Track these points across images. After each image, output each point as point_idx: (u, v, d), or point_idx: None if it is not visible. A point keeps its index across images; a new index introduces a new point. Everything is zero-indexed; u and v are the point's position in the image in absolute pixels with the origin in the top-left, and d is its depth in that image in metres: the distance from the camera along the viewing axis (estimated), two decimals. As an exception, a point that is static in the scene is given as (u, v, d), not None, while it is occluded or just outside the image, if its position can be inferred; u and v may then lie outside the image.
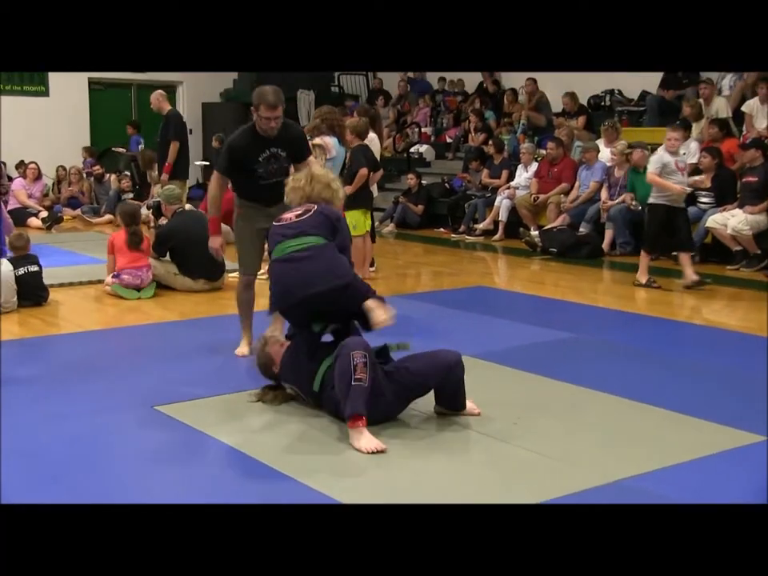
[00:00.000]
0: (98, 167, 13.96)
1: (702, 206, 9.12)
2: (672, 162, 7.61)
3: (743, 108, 9.97)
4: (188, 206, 8.51)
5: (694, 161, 9.58)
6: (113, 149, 14.37)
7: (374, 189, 8.43)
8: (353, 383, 3.86)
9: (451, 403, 4.25)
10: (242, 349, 5.34)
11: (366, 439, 3.83)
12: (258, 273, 5.45)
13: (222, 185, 5.24)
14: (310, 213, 4.30)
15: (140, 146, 13.99)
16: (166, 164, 9.81)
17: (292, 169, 5.17)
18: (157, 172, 10.83)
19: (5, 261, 6.83)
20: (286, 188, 4.49)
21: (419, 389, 4.17)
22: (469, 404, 4.28)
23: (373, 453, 3.77)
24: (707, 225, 8.76)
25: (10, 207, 12.76)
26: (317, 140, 7.29)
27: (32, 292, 6.88)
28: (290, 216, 4.35)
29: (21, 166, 13.63)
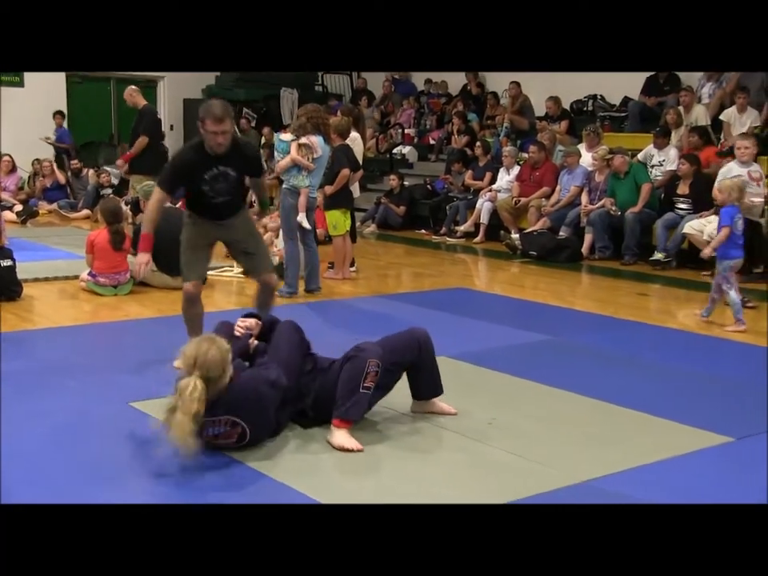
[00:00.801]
0: (76, 161, 13.89)
1: (680, 212, 9.19)
2: (745, 173, 7.39)
3: (721, 117, 10.05)
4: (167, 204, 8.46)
5: (674, 168, 9.66)
6: (39, 138, 14.19)
7: (356, 189, 8.44)
8: (361, 390, 3.86)
9: (430, 387, 4.23)
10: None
11: (346, 438, 3.82)
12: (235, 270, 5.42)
13: (162, 201, 4.88)
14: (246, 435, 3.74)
15: (68, 138, 13.92)
16: (127, 153, 9.85)
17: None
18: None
19: None
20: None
21: (397, 369, 4.12)
22: (444, 405, 4.29)
23: (350, 450, 3.77)
24: (684, 231, 8.80)
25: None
26: (303, 139, 7.30)
27: (5, 286, 6.82)
28: (228, 443, 3.76)
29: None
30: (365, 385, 3.85)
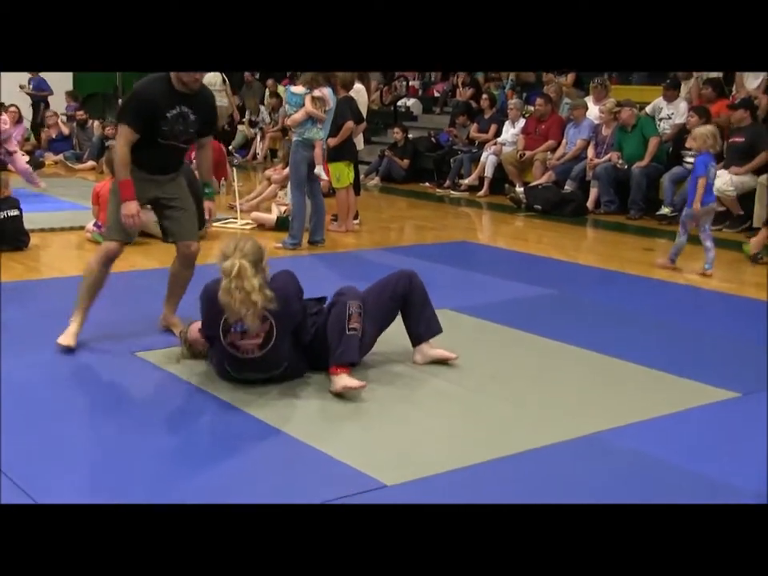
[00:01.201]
0: (81, 113, 13.79)
1: (688, 166, 9.10)
2: None
3: (733, 68, 9.93)
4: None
5: (682, 121, 9.56)
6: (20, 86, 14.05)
7: (359, 141, 8.39)
8: (348, 332, 3.91)
9: (427, 325, 4.25)
10: (67, 337, 4.41)
11: (348, 378, 3.86)
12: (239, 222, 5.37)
13: (130, 141, 4.34)
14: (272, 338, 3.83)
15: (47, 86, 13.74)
16: None
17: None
18: None
19: None
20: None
21: (391, 303, 4.20)
22: (444, 351, 4.29)
23: (354, 388, 3.81)
24: (716, 192, 8.73)
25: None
26: (316, 92, 7.28)
27: (12, 236, 6.83)
28: (250, 346, 3.83)
29: (0, 109, 13.41)
30: (350, 327, 3.92)
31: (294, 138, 7.45)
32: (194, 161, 4.87)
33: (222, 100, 12.38)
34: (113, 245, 4.50)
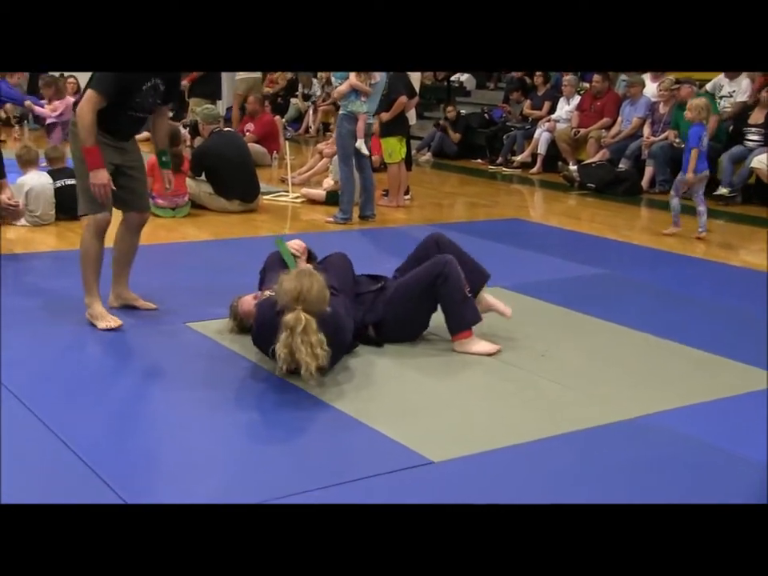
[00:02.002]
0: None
1: (750, 144, 8.91)
2: None
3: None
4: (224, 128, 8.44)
5: (744, 99, 9.36)
6: None
7: (412, 116, 8.34)
8: (468, 295, 4.13)
9: (474, 274, 4.32)
10: (107, 318, 4.36)
11: (483, 344, 4.15)
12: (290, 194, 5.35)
13: (97, 108, 4.16)
14: None
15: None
16: (191, 74, 9.96)
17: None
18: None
19: (44, 173, 6.86)
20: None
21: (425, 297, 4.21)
22: (497, 302, 4.39)
23: (492, 354, 4.12)
24: (752, 165, 8.58)
25: (49, 120, 12.81)
26: (361, 65, 7.21)
27: (69, 205, 6.89)
28: None
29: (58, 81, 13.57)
30: (467, 290, 4.13)
31: (340, 112, 7.43)
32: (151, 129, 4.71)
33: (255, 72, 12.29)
34: (96, 220, 4.32)
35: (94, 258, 4.40)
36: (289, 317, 3.49)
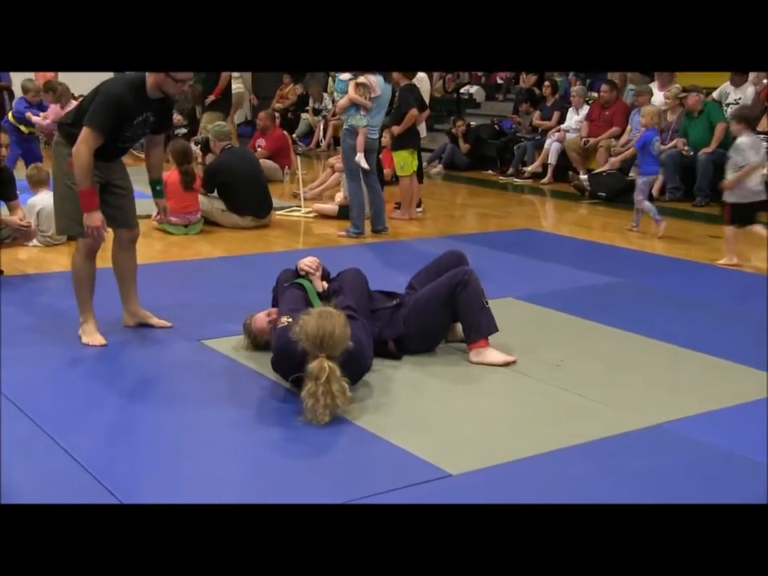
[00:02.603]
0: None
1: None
2: None
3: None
4: (235, 145, 8.49)
5: (751, 105, 9.36)
6: None
7: (422, 129, 8.37)
8: (485, 306, 4.16)
9: (479, 328, 4.21)
10: (95, 336, 4.39)
11: (499, 354, 4.16)
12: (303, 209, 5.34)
13: (95, 146, 4.10)
14: None
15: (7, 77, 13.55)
16: (217, 88, 9.98)
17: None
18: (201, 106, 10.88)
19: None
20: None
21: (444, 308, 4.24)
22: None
23: (509, 363, 4.13)
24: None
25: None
26: (361, 78, 7.22)
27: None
28: None
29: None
30: (485, 300, 4.18)
31: (344, 126, 7.45)
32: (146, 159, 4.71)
33: (239, 86, 12.36)
34: (85, 242, 4.33)
35: (86, 279, 4.43)
36: (313, 365, 3.47)
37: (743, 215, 6.40)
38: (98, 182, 4.30)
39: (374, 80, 7.25)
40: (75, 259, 4.45)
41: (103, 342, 4.38)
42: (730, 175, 6.49)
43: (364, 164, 7.27)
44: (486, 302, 4.17)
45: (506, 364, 4.14)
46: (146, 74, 4.18)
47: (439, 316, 4.21)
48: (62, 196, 4.32)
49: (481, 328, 4.16)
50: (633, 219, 7.74)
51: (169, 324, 4.66)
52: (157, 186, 4.68)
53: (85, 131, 4.11)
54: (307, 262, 4.27)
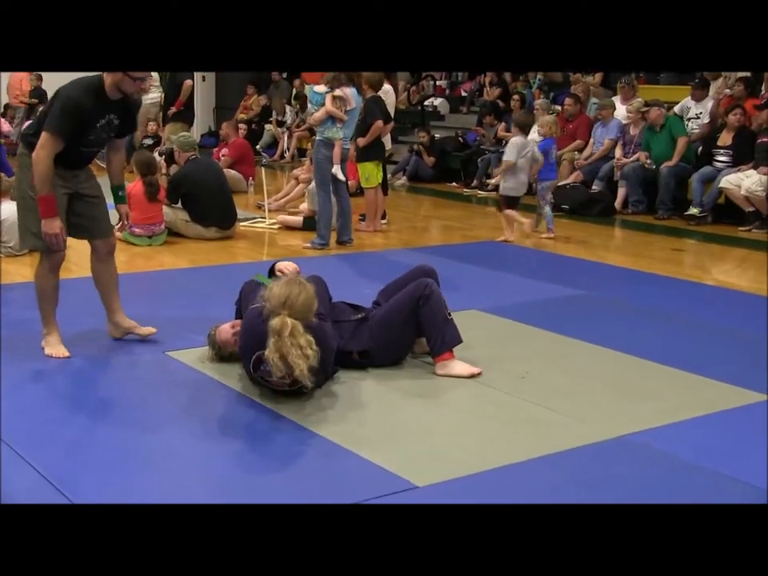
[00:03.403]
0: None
1: (718, 164, 9.05)
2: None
3: (763, 67, 9.85)
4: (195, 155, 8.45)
5: (710, 120, 9.51)
6: None
7: (387, 141, 8.39)
8: (448, 318, 4.16)
9: (444, 339, 4.21)
10: (58, 348, 4.35)
11: (464, 366, 4.17)
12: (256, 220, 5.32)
13: (55, 151, 4.05)
14: None
15: None
16: (179, 100, 9.90)
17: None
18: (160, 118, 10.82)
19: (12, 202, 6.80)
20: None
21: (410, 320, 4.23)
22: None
23: (475, 375, 4.14)
24: (721, 185, 8.70)
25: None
26: (337, 92, 7.25)
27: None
28: (282, 383, 3.70)
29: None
30: (449, 312, 4.18)
31: (316, 138, 7.46)
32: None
33: (154, 94, 12.31)
34: (53, 255, 4.27)
35: (50, 292, 4.37)
36: (275, 321, 3.53)
37: (511, 203, 7.82)
38: (66, 193, 4.27)
39: (349, 92, 7.29)
40: (38, 272, 4.38)
41: (66, 353, 4.34)
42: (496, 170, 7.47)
43: (341, 175, 7.32)
44: (449, 313, 4.18)
45: (472, 376, 4.15)
46: (104, 74, 4.12)
47: (404, 330, 4.21)
48: (25, 209, 4.26)
49: (445, 340, 4.17)
50: (535, 222, 8.06)
51: (154, 330, 4.59)
52: (119, 192, 4.60)
53: (43, 136, 4.06)
54: (286, 265, 4.29)
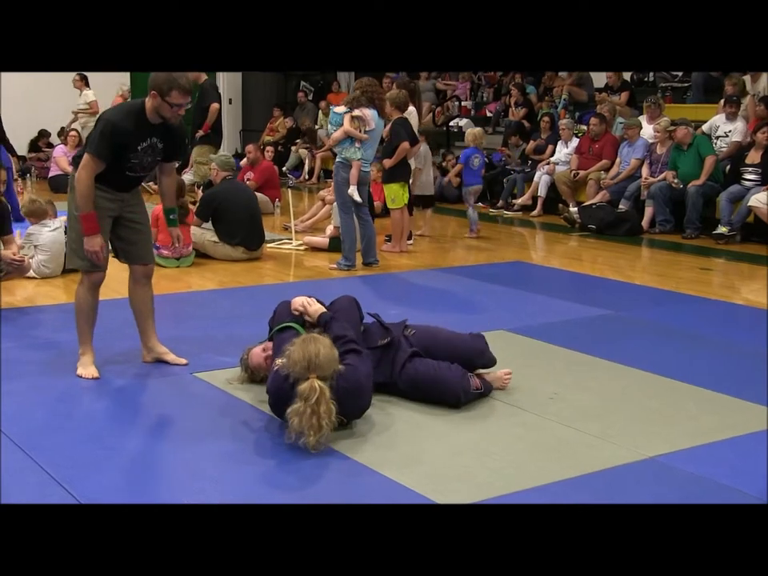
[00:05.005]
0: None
1: (747, 183, 8.99)
2: None
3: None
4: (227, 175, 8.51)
5: (739, 139, 9.46)
6: None
7: (413, 162, 8.41)
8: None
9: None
10: (90, 369, 4.43)
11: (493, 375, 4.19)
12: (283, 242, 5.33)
13: (96, 172, 4.20)
14: None
15: None
16: (206, 123, 10.00)
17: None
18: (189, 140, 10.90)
19: (55, 223, 6.87)
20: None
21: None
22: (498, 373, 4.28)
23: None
24: (749, 204, 8.64)
25: (51, 173, 12.91)
26: (356, 112, 7.29)
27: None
28: None
29: (62, 133, 13.72)
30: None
31: (336, 160, 7.49)
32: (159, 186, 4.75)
33: (90, 122, 12.67)
34: (90, 276, 4.40)
35: (87, 311, 4.47)
36: (303, 386, 3.50)
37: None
38: (111, 216, 4.38)
39: (369, 113, 7.31)
40: (78, 291, 4.48)
41: (96, 374, 4.38)
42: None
43: (357, 197, 7.31)
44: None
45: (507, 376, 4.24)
46: (146, 99, 4.26)
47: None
48: (72, 229, 4.40)
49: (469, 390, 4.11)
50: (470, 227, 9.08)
51: (184, 361, 4.62)
52: (170, 215, 4.72)
53: (85, 158, 4.23)
54: (297, 304, 4.21)
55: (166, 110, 4.23)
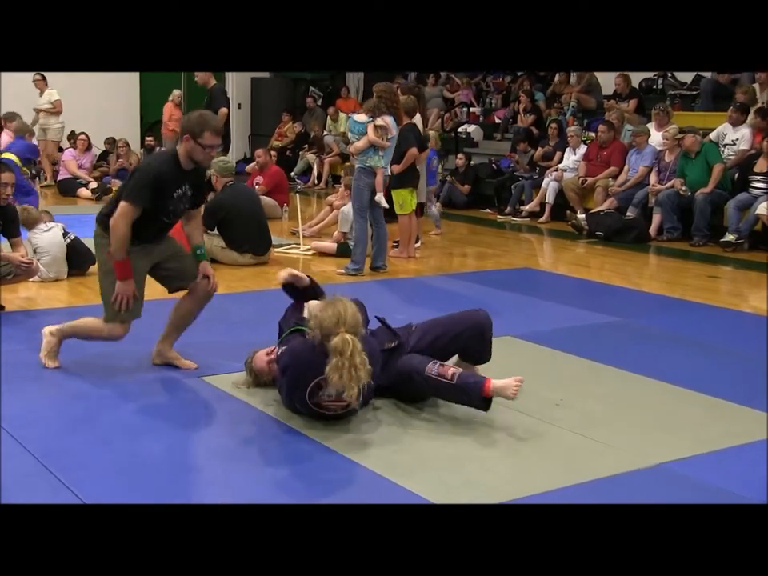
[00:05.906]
0: (150, 139, 14.07)
1: (755, 191, 8.98)
2: None
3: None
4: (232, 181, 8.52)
5: (746, 147, 9.45)
6: None
7: (421, 168, 8.43)
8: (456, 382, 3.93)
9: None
10: (51, 358, 4.59)
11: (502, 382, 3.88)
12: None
13: (133, 218, 4.23)
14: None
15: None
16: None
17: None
18: None
19: (54, 228, 6.90)
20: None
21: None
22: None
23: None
24: (757, 212, 8.63)
25: (60, 177, 12.96)
26: (379, 121, 7.32)
27: (81, 259, 6.94)
28: (336, 407, 3.80)
29: (72, 137, 13.77)
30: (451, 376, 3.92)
31: (357, 165, 7.52)
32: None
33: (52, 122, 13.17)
34: (119, 328, 4.44)
35: (86, 336, 4.59)
36: (336, 340, 3.55)
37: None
38: (145, 271, 4.49)
39: (389, 121, 7.36)
40: (102, 329, 4.49)
41: (57, 364, 4.54)
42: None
43: (384, 203, 7.42)
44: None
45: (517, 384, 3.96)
46: (178, 146, 4.31)
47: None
48: (106, 284, 4.42)
49: (475, 391, 3.94)
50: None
51: (194, 365, 4.64)
52: (198, 250, 4.69)
53: (122, 205, 4.25)
54: (280, 278, 4.36)
55: (199, 153, 4.27)
